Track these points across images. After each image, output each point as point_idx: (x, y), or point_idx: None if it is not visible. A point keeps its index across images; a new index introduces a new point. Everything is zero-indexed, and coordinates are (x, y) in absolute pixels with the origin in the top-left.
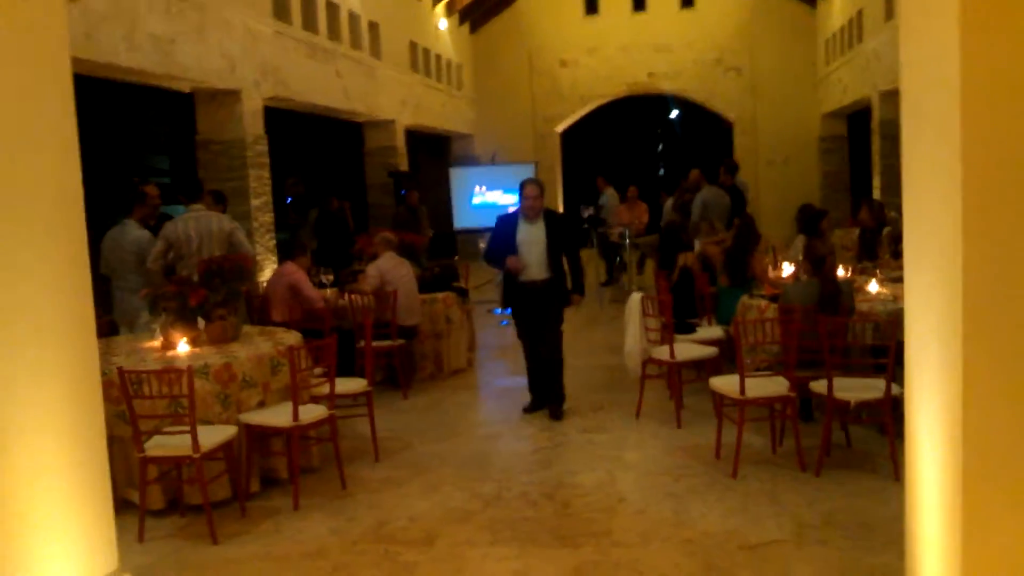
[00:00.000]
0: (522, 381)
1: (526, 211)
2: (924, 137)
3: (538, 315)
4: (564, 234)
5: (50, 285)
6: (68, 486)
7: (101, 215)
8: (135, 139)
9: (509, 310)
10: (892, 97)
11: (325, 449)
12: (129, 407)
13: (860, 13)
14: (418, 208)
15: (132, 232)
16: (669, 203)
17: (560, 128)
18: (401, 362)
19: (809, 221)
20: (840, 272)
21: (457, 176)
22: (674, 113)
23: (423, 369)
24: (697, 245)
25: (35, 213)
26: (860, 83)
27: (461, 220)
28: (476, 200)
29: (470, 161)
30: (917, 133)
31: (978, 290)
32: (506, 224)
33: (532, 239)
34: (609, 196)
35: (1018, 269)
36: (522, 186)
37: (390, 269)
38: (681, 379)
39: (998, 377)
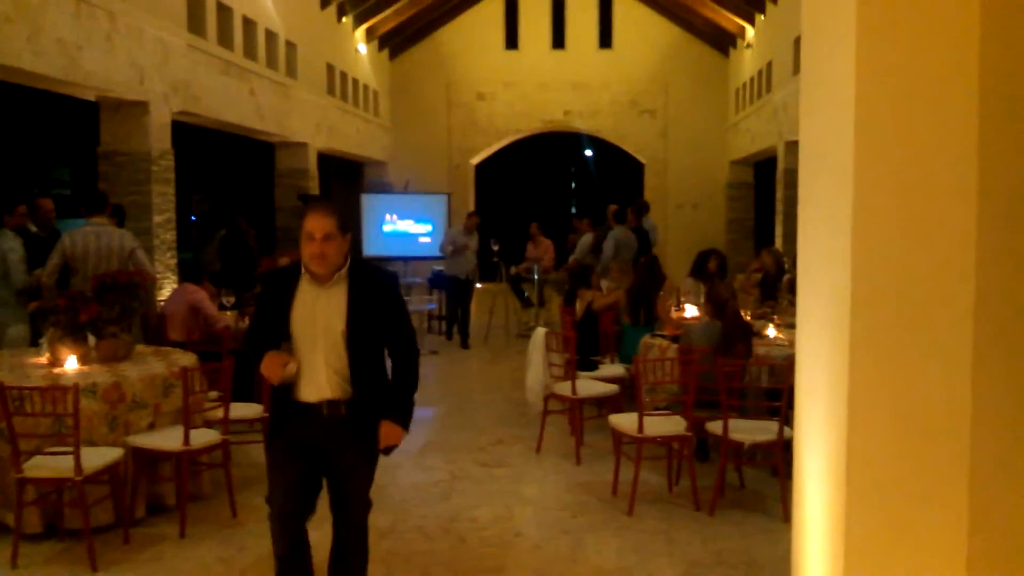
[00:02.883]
0: (424, 413)
1: (311, 263)
2: (819, 186)
3: (322, 467)
4: (386, 311)
5: None
6: None
7: None
8: (36, 148)
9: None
10: (796, 147)
11: (216, 476)
12: (8, 425)
13: (769, 65)
14: None
15: (3, 241)
16: (586, 239)
17: (475, 160)
18: None
19: (696, 263)
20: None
21: (369, 203)
22: (588, 152)
23: None
24: (604, 284)
25: None
26: (767, 132)
27: (371, 247)
28: (387, 228)
29: (383, 188)
30: (813, 181)
31: (864, 338)
32: (276, 287)
33: (318, 316)
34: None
35: (902, 321)
36: (303, 215)
37: None
38: (582, 416)
39: (882, 423)
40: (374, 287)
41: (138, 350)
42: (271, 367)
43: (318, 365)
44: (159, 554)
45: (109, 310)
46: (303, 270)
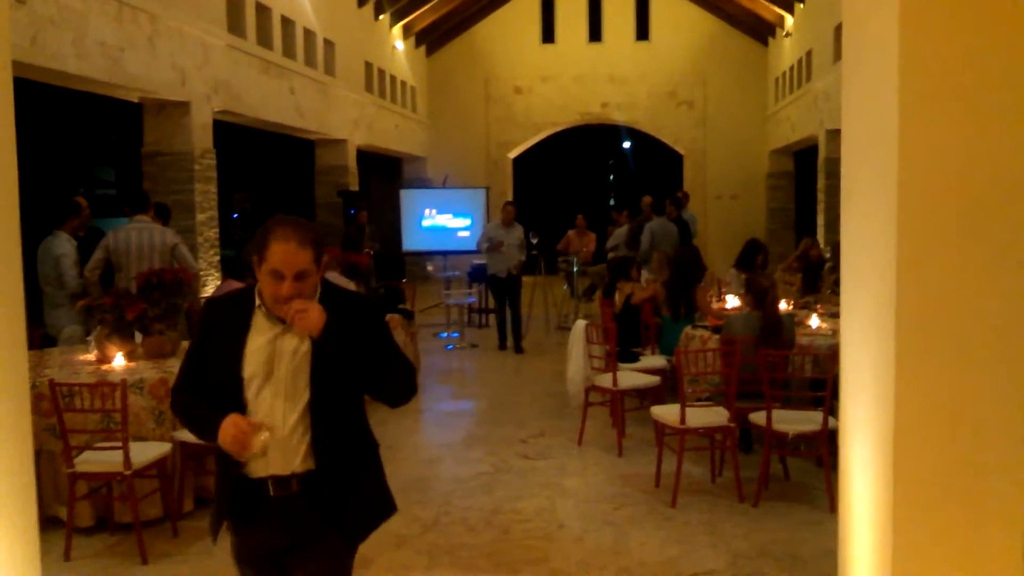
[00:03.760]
0: (466, 406)
1: (276, 308)
2: (863, 175)
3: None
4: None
5: None
6: None
7: (43, 224)
8: (82, 149)
9: (456, 334)
10: (837, 136)
11: None
12: (60, 421)
13: (809, 54)
14: (365, 226)
15: (58, 245)
16: (622, 231)
17: (513, 154)
18: None
19: (744, 255)
20: (782, 306)
21: (407, 198)
22: (626, 144)
23: None
24: (644, 276)
25: None
26: (807, 121)
27: (410, 242)
28: (426, 223)
29: (421, 184)
30: (856, 171)
31: (910, 326)
32: (221, 322)
33: (278, 362)
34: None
35: (950, 306)
36: (263, 240)
37: (342, 284)
38: (623, 407)
39: (929, 411)
40: (351, 320)
41: (183, 346)
42: (238, 437)
43: (275, 425)
44: (208, 546)
45: (154, 307)
46: (257, 300)
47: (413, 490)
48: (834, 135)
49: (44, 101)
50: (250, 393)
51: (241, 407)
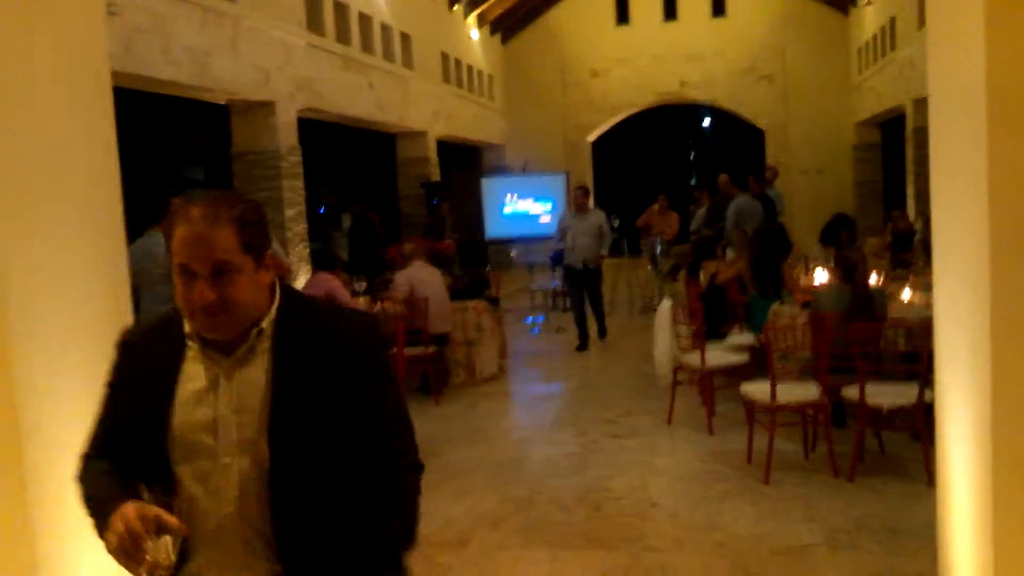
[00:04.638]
0: (554, 388)
1: (198, 324)
2: (951, 144)
3: None
4: (350, 398)
5: (91, 298)
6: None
7: (136, 226)
8: (171, 150)
9: (541, 317)
10: (925, 105)
11: None
12: None
13: (893, 21)
14: (447, 217)
15: (158, 243)
16: (702, 211)
17: (591, 137)
18: (433, 369)
19: (828, 230)
20: (873, 279)
21: (488, 186)
22: (706, 121)
23: (455, 376)
24: (729, 253)
25: (78, 227)
26: (893, 91)
27: (492, 230)
28: (507, 210)
29: (501, 171)
30: (945, 140)
31: (1006, 295)
32: (139, 365)
33: (220, 422)
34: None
35: None
36: (169, 221)
37: (420, 277)
38: (712, 386)
39: None
40: (326, 354)
41: None
42: (126, 541)
43: (220, 521)
44: None
45: None
46: (188, 326)
47: (506, 471)
48: (922, 104)
49: (135, 106)
50: (180, 463)
51: (169, 482)
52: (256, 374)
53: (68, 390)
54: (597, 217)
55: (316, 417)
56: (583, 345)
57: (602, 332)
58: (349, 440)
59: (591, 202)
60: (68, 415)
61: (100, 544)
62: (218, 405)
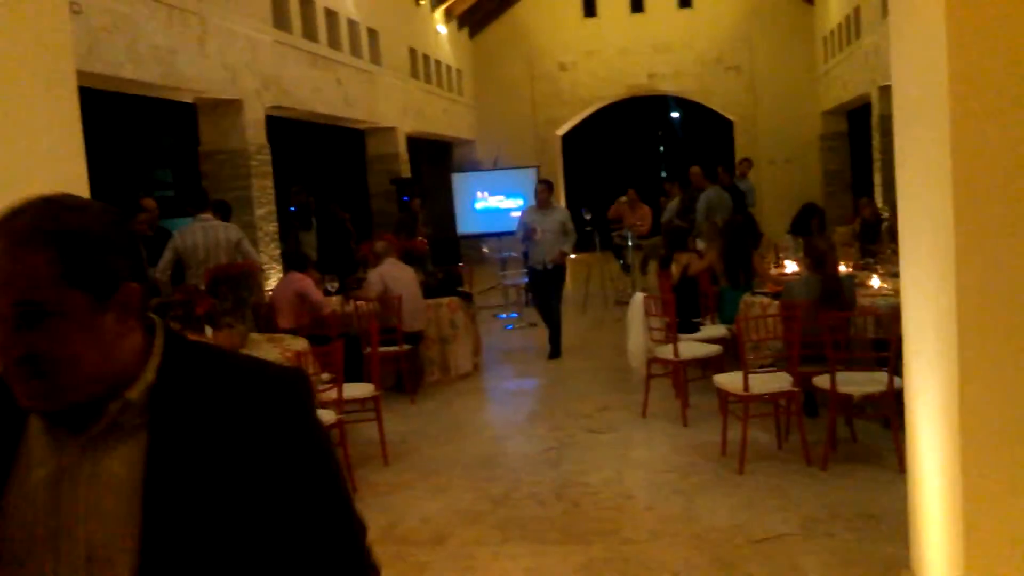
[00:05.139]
0: (528, 384)
1: (16, 389)
2: (915, 130)
3: None
4: (267, 492)
5: None
6: None
7: None
8: (139, 151)
9: (515, 314)
10: (891, 92)
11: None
12: None
13: (857, 10)
14: (419, 212)
15: None
16: (673, 203)
17: (561, 131)
18: (408, 367)
19: (798, 220)
20: (841, 268)
21: (459, 181)
22: (675, 114)
23: (430, 374)
24: (700, 245)
25: None
26: (859, 79)
27: (464, 225)
28: (479, 205)
29: (472, 166)
30: (909, 128)
31: (971, 280)
32: None
33: (66, 526)
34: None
35: (1010, 259)
36: None
37: (393, 275)
38: (686, 378)
39: (993, 366)
40: (229, 432)
41: (253, 338)
42: None
43: None
44: None
45: (223, 301)
46: None
47: (482, 467)
48: (887, 92)
49: (100, 107)
50: None
51: None
52: (120, 465)
53: None
54: (561, 214)
55: (213, 528)
56: (553, 353)
57: (555, 349)
58: (266, 558)
59: (560, 199)
60: None
61: None
62: (61, 509)
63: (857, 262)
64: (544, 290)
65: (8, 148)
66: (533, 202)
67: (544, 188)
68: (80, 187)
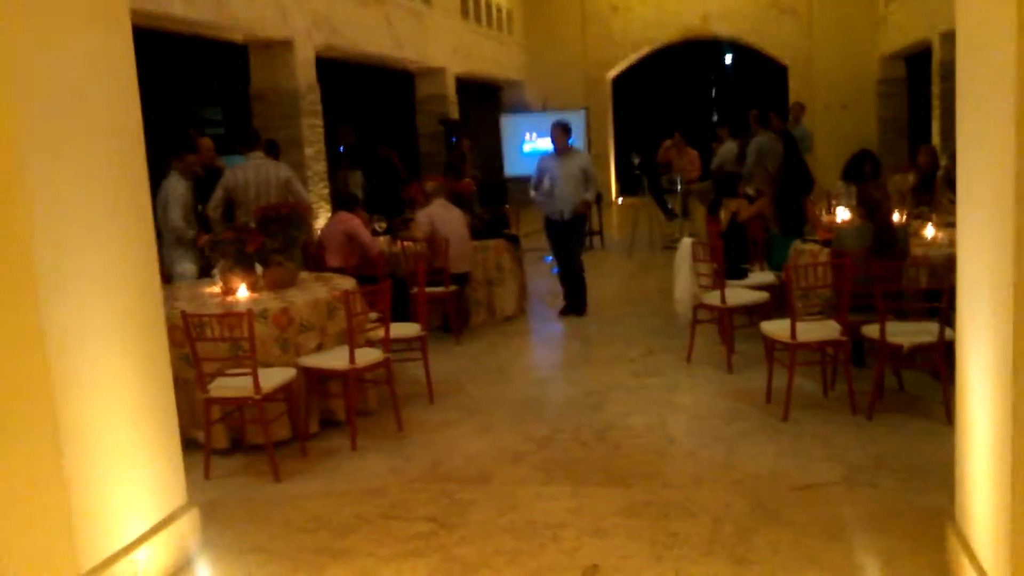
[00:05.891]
0: (573, 327)
1: None
2: (978, 76)
3: None
4: None
5: (117, 235)
6: (140, 425)
7: (153, 167)
8: (188, 90)
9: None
10: (953, 38)
11: (381, 392)
12: (193, 350)
13: None
14: (467, 154)
15: (169, 188)
16: (724, 148)
17: (612, 74)
18: (454, 308)
19: (851, 167)
20: (895, 217)
21: (508, 124)
22: (728, 57)
23: (476, 315)
24: (749, 192)
25: (101, 167)
26: (920, 24)
27: (512, 168)
28: (527, 147)
29: (521, 108)
30: (971, 72)
31: None
32: None
33: None
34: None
35: None
36: None
37: (440, 216)
38: (732, 324)
39: None
40: None
41: (302, 277)
42: None
43: None
44: (335, 465)
45: (273, 240)
46: None
47: (526, 409)
48: (949, 38)
49: (151, 46)
50: None
51: None
52: None
53: (97, 331)
54: (581, 159)
55: None
56: (569, 308)
57: (579, 305)
58: None
59: (608, 143)
60: (97, 356)
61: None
62: None
63: (911, 211)
64: (563, 243)
65: (64, 87)
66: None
67: (560, 131)
68: (133, 124)
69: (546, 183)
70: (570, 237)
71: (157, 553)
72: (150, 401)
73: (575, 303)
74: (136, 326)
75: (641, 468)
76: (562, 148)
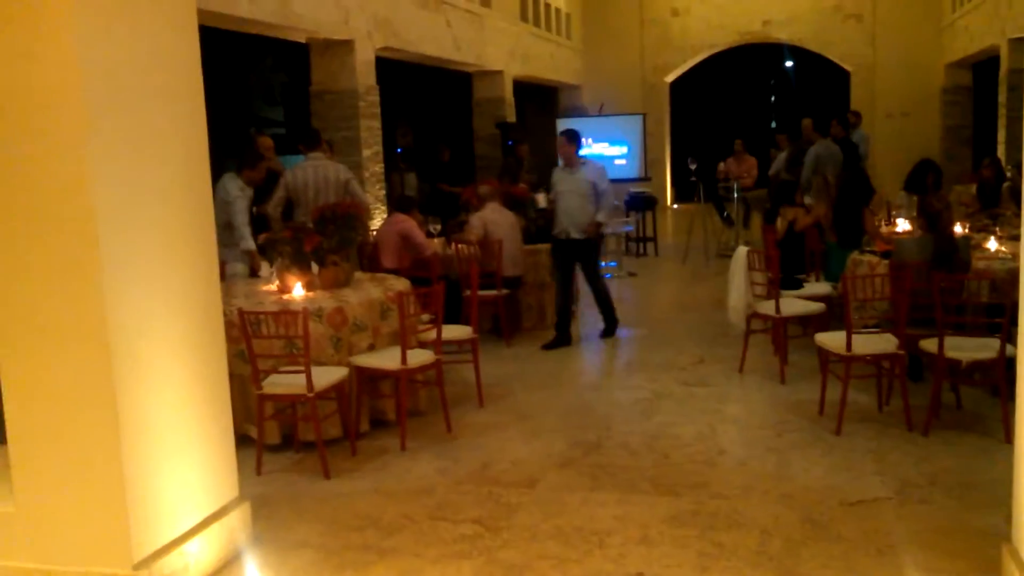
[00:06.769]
0: (624, 333)
1: None
2: None
3: None
4: None
5: (178, 233)
6: (195, 419)
7: (214, 165)
8: (250, 89)
9: (613, 263)
10: (1022, 45)
11: (431, 393)
12: (248, 346)
13: None
14: (524, 159)
15: (230, 190)
16: (782, 156)
17: (670, 78)
18: (506, 312)
19: (913, 177)
20: (957, 228)
21: (564, 127)
22: (788, 63)
23: (527, 320)
24: (807, 201)
25: (165, 165)
26: (988, 30)
27: None
28: (583, 152)
29: (577, 112)
30: None
31: None
32: None
33: None
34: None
35: None
36: None
37: (494, 219)
38: (786, 335)
39: None
40: None
41: (356, 277)
42: None
43: None
44: (383, 464)
45: (329, 240)
46: None
47: (575, 414)
48: (1018, 44)
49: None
50: None
51: None
52: None
53: (157, 325)
54: (591, 171)
55: None
56: (556, 342)
57: (610, 327)
58: None
59: (665, 148)
60: (156, 350)
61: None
62: None
63: (974, 223)
64: (567, 266)
65: (130, 83)
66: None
67: (564, 140)
68: (197, 122)
69: (553, 198)
70: (584, 257)
71: (208, 545)
72: (206, 396)
73: (608, 324)
74: (195, 322)
75: (689, 477)
76: (567, 159)
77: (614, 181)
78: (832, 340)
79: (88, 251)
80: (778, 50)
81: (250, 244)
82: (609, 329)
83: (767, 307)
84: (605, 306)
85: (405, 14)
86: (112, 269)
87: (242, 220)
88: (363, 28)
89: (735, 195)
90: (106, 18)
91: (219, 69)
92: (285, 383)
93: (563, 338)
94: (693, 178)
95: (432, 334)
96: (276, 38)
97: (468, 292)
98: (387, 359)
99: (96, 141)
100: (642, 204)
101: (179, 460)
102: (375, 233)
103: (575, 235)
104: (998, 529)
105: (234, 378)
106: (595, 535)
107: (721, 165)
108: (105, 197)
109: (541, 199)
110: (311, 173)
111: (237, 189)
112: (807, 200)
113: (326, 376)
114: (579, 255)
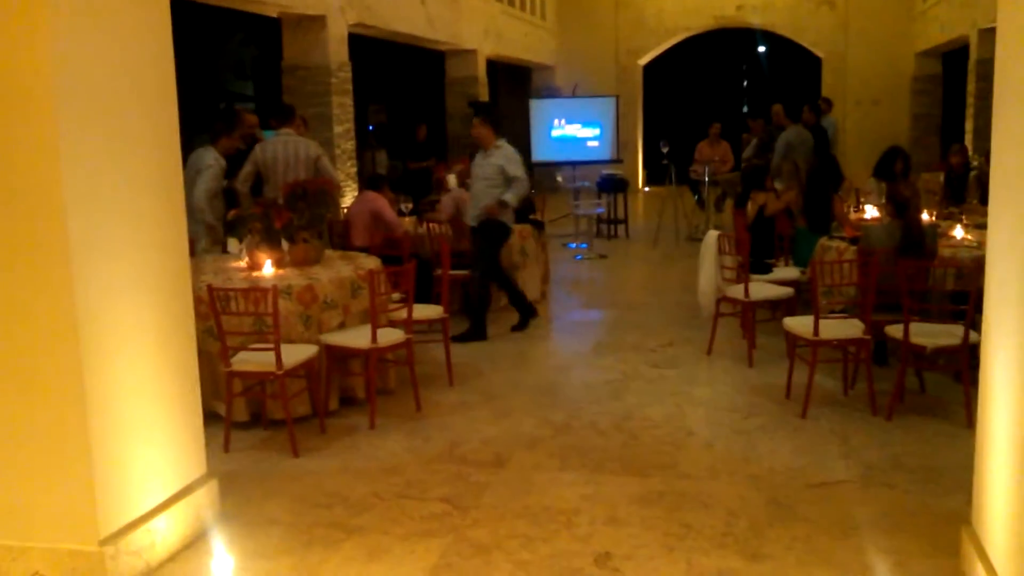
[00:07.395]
0: (594, 315)
1: None
2: (1018, 75)
3: None
4: None
5: (147, 208)
6: (163, 396)
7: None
8: (220, 64)
9: (584, 244)
10: (991, 35)
11: (401, 372)
12: (217, 323)
13: None
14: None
15: (200, 157)
16: (754, 141)
17: (643, 61)
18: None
19: (882, 164)
20: (924, 216)
21: (537, 108)
22: (761, 48)
23: (497, 300)
24: (777, 186)
25: (135, 140)
26: (958, 20)
27: (540, 153)
28: (555, 133)
29: (551, 93)
30: (1011, 70)
31: None
32: None
33: None
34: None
35: None
36: None
37: (465, 199)
38: (755, 319)
39: None
40: None
41: (327, 254)
42: None
43: None
44: (352, 443)
45: (300, 217)
46: None
47: (544, 395)
48: (988, 35)
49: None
50: None
51: None
52: None
53: (125, 300)
54: (500, 156)
55: None
56: (468, 334)
57: (524, 317)
58: None
59: (638, 130)
60: (123, 325)
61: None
62: None
63: (941, 211)
64: (478, 253)
65: (99, 55)
66: None
67: (478, 122)
68: (168, 94)
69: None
70: (482, 245)
71: (175, 522)
72: (174, 372)
73: (522, 311)
74: (163, 297)
75: (657, 458)
76: (480, 141)
77: (586, 163)
78: (800, 324)
79: (55, 230)
80: (751, 35)
81: (207, 217)
82: (475, 333)
83: (736, 291)
84: (515, 296)
85: None
86: (80, 247)
87: (203, 189)
88: (336, 3)
89: (706, 179)
90: None
91: (189, 42)
92: (254, 360)
93: (477, 331)
94: (665, 161)
95: (403, 313)
96: (247, 12)
97: (439, 271)
98: (357, 337)
99: (64, 121)
100: (614, 186)
101: (146, 437)
102: (346, 211)
103: (474, 220)
104: (959, 512)
105: (203, 355)
106: (563, 515)
107: (697, 151)
108: (72, 176)
109: (451, 179)
110: (280, 148)
111: (211, 158)
112: (777, 185)
113: (295, 354)
114: (479, 239)
